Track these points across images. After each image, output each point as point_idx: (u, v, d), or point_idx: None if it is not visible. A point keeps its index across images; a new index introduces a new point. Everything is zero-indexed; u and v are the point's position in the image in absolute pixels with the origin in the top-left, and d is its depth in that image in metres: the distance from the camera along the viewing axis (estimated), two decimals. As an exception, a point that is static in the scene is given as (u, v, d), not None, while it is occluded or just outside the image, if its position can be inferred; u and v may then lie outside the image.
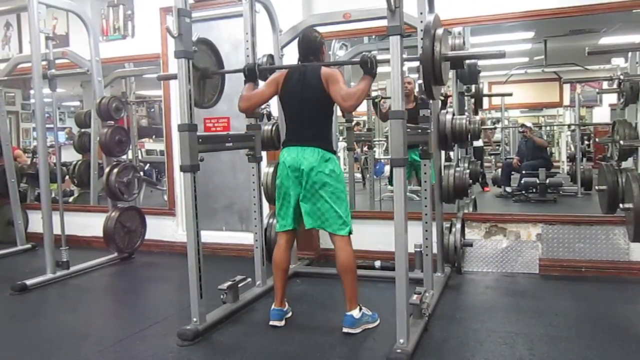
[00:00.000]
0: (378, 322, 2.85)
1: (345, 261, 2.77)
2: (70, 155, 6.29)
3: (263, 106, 3.45)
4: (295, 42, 3.90)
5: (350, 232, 2.80)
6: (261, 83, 3.12)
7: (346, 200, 2.83)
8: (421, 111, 3.25)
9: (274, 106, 3.84)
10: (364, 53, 2.66)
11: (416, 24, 3.11)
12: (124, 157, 4.87)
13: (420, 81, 2.94)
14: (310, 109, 2.79)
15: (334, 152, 2.84)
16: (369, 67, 2.60)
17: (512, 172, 7.20)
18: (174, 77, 2.76)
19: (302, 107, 2.79)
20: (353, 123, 5.76)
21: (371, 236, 4.03)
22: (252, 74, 3.03)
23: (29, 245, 5.08)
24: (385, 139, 6.66)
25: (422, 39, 2.66)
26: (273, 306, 2.94)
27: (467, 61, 3.77)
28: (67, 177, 6.06)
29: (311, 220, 2.79)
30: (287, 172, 2.80)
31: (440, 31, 2.48)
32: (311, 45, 2.89)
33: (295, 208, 2.83)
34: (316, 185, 2.73)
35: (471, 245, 3.84)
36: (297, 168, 2.75)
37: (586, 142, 8.11)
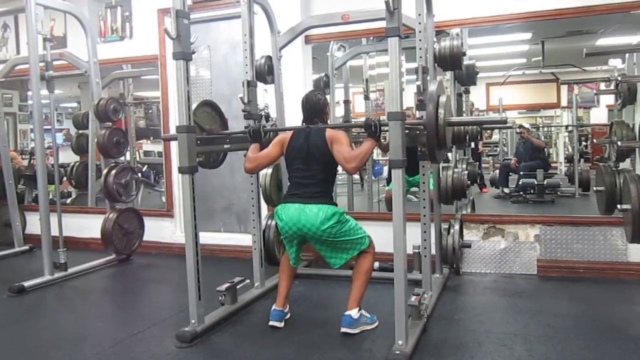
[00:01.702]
0: (376, 324, 2.85)
1: (362, 264, 2.84)
2: (68, 157, 6.28)
3: (262, 107, 3.45)
4: (294, 43, 3.93)
5: (370, 240, 2.87)
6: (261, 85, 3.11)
7: (353, 223, 2.85)
8: (419, 113, 3.25)
9: (272, 108, 3.85)
10: (368, 117, 2.71)
11: (414, 25, 3.12)
12: (122, 158, 4.86)
13: (419, 82, 2.95)
14: (315, 167, 2.82)
15: (336, 205, 2.86)
16: (372, 130, 2.64)
17: (510, 173, 7.22)
18: (175, 138, 2.81)
19: (308, 166, 2.83)
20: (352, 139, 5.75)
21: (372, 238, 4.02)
22: (257, 135, 3.07)
23: (26, 247, 5.07)
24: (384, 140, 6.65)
25: (424, 96, 2.71)
26: (274, 306, 2.94)
27: (466, 62, 3.77)
28: (64, 178, 6.05)
29: (337, 260, 2.85)
30: (289, 233, 2.83)
31: (443, 98, 2.53)
32: (315, 107, 2.94)
33: (297, 248, 2.92)
34: (329, 238, 2.77)
35: (469, 246, 3.84)
36: (300, 229, 2.78)
37: (584, 143, 8.13)
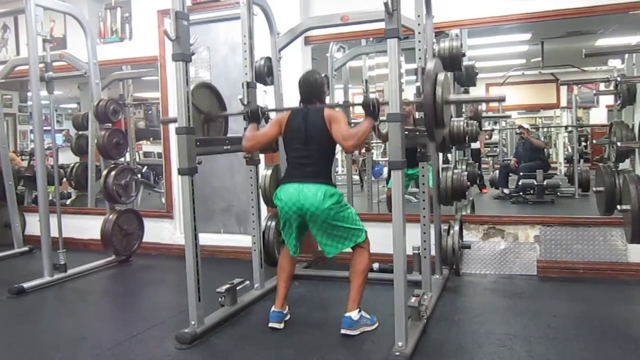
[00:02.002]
0: (376, 325, 2.85)
1: (359, 264, 2.82)
2: (68, 158, 6.28)
3: (261, 106, 3.45)
4: (294, 44, 3.93)
5: (366, 234, 2.85)
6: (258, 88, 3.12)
7: (353, 211, 2.85)
8: (418, 114, 3.25)
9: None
10: (366, 95, 2.70)
11: (413, 26, 3.12)
12: (122, 159, 4.86)
13: (418, 84, 2.95)
14: (313, 147, 2.81)
15: (335, 186, 2.85)
16: (371, 110, 2.63)
17: (510, 174, 7.22)
18: (175, 120, 2.79)
19: (306, 145, 2.82)
20: (351, 125, 5.75)
21: (369, 238, 4.01)
22: (255, 115, 3.08)
23: (26, 248, 5.06)
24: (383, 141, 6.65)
25: (422, 81, 2.69)
26: (273, 308, 2.94)
27: (465, 63, 3.77)
28: (64, 179, 6.05)
29: (332, 249, 2.82)
30: (289, 212, 2.81)
31: (441, 76, 2.52)
32: (313, 87, 2.93)
33: (297, 234, 2.89)
34: (327, 220, 2.75)
35: (469, 247, 3.84)
36: (299, 208, 2.76)
37: (583, 144, 8.13)
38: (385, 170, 6.82)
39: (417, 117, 3.18)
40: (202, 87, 3.14)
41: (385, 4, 2.29)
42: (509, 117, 7.18)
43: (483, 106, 7.73)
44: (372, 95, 5.11)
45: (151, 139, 7.13)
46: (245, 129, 3.12)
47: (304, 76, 2.97)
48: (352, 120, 5.45)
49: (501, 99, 2.71)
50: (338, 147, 2.92)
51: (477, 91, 5.33)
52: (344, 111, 2.95)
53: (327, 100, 3.08)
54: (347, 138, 2.66)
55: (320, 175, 2.78)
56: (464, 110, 4.91)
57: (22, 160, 6.65)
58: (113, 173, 4.44)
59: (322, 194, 2.71)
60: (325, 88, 2.99)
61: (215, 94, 3.25)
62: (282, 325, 2.90)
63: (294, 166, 2.87)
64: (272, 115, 3.30)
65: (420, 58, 3.09)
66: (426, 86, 2.49)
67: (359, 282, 2.80)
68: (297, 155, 2.85)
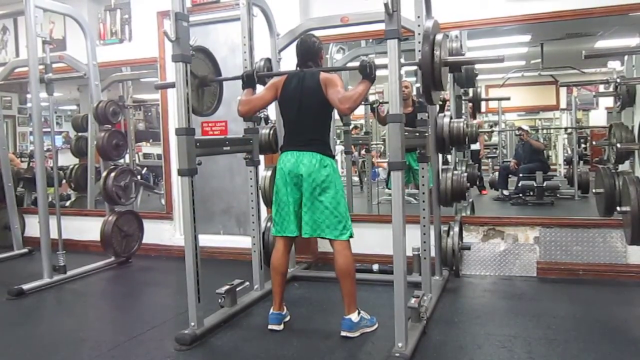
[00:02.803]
0: (376, 326, 2.85)
1: (343, 265, 2.77)
2: (68, 159, 6.27)
3: (261, 110, 3.45)
4: (293, 45, 3.92)
5: (350, 236, 2.81)
6: (259, 88, 3.12)
7: (345, 205, 2.84)
8: (419, 114, 3.26)
9: (271, 110, 3.85)
10: (363, 58, 2.67)
11: (413, 27, 3.12)
12: (121, 161, 4.86)
13: (418, 85, 2.95)
14: (309, 113, 2.80)
15: (333, 157, 2.85)
16: (367, 72, 2.62)
17: (510, 175, 7.21)
18: (172, 85, 2.77)
19: (301, 111, 2.80)
20: (351, 126, 5.76)
21: (369, 240, 4.02)
22: (250, 80, 3.04)
23: (25, 250, 5.06)
24: (382, 143, 6.66)
25: (420, 43, 2.66)
26: (272, 310, 2.93)
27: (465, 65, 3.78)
28: (64, 181, 6.04)
29: (310, 229, 2.79)
30: (286, 178, 2.80)
31: (439, 36, 2.49)
32: (309, 50, 2.91)
33: (295, 214, 2.83)
34: (315, 191, 2.74)
35: (469, 248, 3.83)
36: (296, 174, 2.76)
37: (583, 145, 8.14)
38: (381, 173, 6.83)
39: (415, 100, 3.15)
40: (198, 52, 3.09)
41: (385, 5, 2.30)
42: (508, 98, 7.16)
43: (482, 107, 7.74)
44: (372, 101, 5.15)
45: (151, 140, 7.11)
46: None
47: (302, 39, 2.97)
48: (352, 122, 5.44)
49: (500, 59, 2.66)
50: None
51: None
52: (339, 74, 2.90)
53: (323, 60, 3.05)
54: (343, 101, 2.65)
55: (316, 143, 2.78)
56: (463, 111, 4.92)
57: (22, 162, 6.65)
58: (113, 174, 4.44)
59: (317, 162, 2.73)
60: (322, 52, 2.98)
61: (210, 58, 3.22)
62: (281, 327, 2.90)
63: (290, 134, 2.88)
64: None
65: (419, 34, 3.06)
66: (424, 47, 2.46)
67: (348, 284, 2.77)
68: (292, 120, 2.85)
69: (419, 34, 3.10)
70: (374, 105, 4.96)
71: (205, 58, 3.18)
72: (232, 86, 3.40)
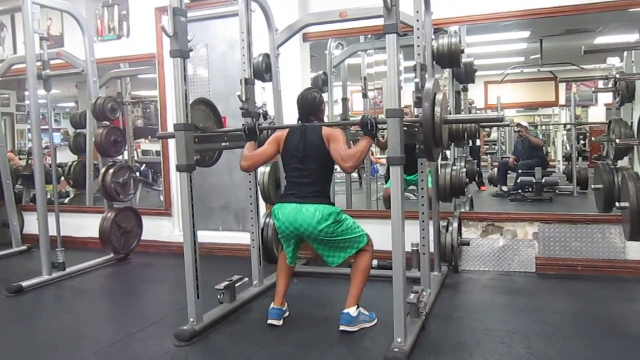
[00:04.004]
0: (375, 321, 2.85)
1: (361, 262, 2.83)
2: (66, 156, 6.26)
3: (259, 105, 3.45)
4: (292, 40, 3.92)
5: (368, 237, 2.86)
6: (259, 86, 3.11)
7: (350, 221, 2.85)
8: (417, 110, 3.25)
9: (270, 106, 3.85)
10: (364, 115, 2.71)
11: (412, 22, 3.11)
12: (120, 157, 4.85)
13: (417, 80, 2.95)
14: (311, 166, 2.81)
15: (333, 204, 2.85)
16: (369, 129, 2.63)
17: (509, 171, 7.22)
18: (172, 136, 2.79)
19: (304, 164, 2.82)
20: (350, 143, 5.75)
21: (371, 237, 4.02)
22: (252, 133, 3.04)
23: (24, 247, 5.05)
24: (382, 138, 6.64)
25: (423, 101, 2.68)
26: (272, 305, 2.94)
27: (464, 60, 3.77)
28: (62, 178, 6.03)
29: (335, 259, 2.84)
30: (286, 232, 2.83)
31: (439, 96, 2.53)
32: (311, 105, 2.93)
33: (294, 248, 2.91)
34: (325, 238, 2.77)
35: (468, 244, 3.84)
36: (297, 228, 2.78)
37: (582, 142, 8.14)
38: (380, 169, 6.82)
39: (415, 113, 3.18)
40: (199, 104, 3.17)
41: (384, 0, 2.29)
42: (507, 125, 7.20)
43: (481, 103, 7.73)
44: (371, 98, 5.12)
45: (149, 137, 7.10)
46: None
47: (302, 94, 2.98)
48: (351, 117, 5.46)
49: (499, 119, 2.73)
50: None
51: (475, 89, 5.33)
52: (342, 129, 2.94)
53: (324, 113, 3.09)
54: (346, 159, 2.67)
55: (318, 195, 2.79)
56: (462, 107, 4.92)
57: (20, 159, 6.63)
58: (111, 171, 4.43)
59: (320, 215, 2.72)
60: (323, 106, 3.01)
61: (211, 109, 3.27)
62: (280, 322, 2.90)
63: (292, 185, 2.88)
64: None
65: (419, 54, 3.09)
66: (425, 106, 2.50)
67: (360, 279, 2.81)
68: (295, 174, 2.86)
69: (418, 29, 3.10)
70: (374, 132, 4.95)
71: (207, 110, 3.23)
72: (231, 82, 3.40)
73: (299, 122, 2.95)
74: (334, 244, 2.79)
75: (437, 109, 2.51)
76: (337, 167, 2.88)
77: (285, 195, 2.90)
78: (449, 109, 3.70)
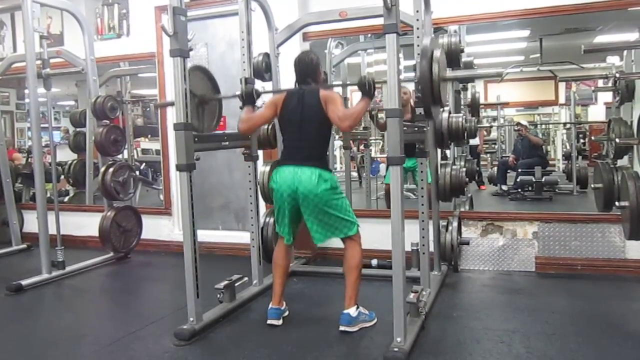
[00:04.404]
0: (375, 321, 2.85)
1: (351, 259, 2.81)
2: (66, 155, 6.26)
3: (259, 105, 3.44)
4: (292, 40, 3.92)
5: (358, 228, 2.84)
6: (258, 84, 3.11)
7: (346, 201, 2.85)
8: (417, 109, 3.25)
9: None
10: (362, 75, 2.69)
11: (412, 22, 3.11)
12: (120, 156, 4.85)
13: (416, 80, 2.94)
14: (309, 129, 2.80)
15: (331, 171, 2.85)
16: (367, 89, 2.62)
17: (508, 171, 7.22)
18: (172, 104, 2.78)
19: (301, 128, 2.81)
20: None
21: (368, 235, 3.96)
22: (249, 97, 3.04)
23: (24, 246, 5.05)
24: (381, 138, 6.65)
25: (419, 59, 2.65)
26: (271, 305, 2.93)
27: (464, 60, 3.77)
28: (62, 176, 6.03)
29: (320, 236, 2.82)
30: (283, 194, 2.80)
31: (437, 53, 2.48)
32: (308, 67, 2.91)
33: (290, 221, 2.87)
34: (319, 205, 2.75)
35: (468, 243, 3.83)
36: (294, 191, 2.76)
37: (582, 141, 8.14)
38: (382, 167, 6.84)
39: (414, 106, 3.16)
40: (196, 70, 3.10)
41: (384, 0, 2.29)
42: (507, 103, 7.17)
43: (481, 101, 7.73)
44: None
45: (149, 136, 7.11)
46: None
47: (299, 56, 2.96)
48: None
49: (499, 74, 2.67)
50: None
51: (475, 88, 5.34)
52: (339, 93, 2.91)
53: (322, 76, 3.04)
54: (343, 119, 2.66)
55: (315, 159, 2.78)
56: (462, 106, 4.91)
57: (22, 157, 6.64)
58: (111, 170, 4.43)
59: (317, 178, 2.71)
60: (320, 68, 2.98)
61: (208, 77, 3.22)
62: (280, 322, 2.90)
63: (289, 149, 2.87)
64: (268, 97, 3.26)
65: (418, 54, 3.08)
66: (422, 63, 2.46)
67: (354, 277, 2.80)
68: (292, 137, 2.85)
69: (418, 28, 3.10)
70: (373, 112, 4.96)
71: (204, 76, 3.20)
72: (231, 81, 3.39)
73: (297, 85, 2.93)
74: (325, 216, 2.76)
75: (435, 66, 2.46)
76: (336, 167, 2.86)
77: (282, 160, 2.90)
78: (448, 107, 3.71)
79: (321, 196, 2.71)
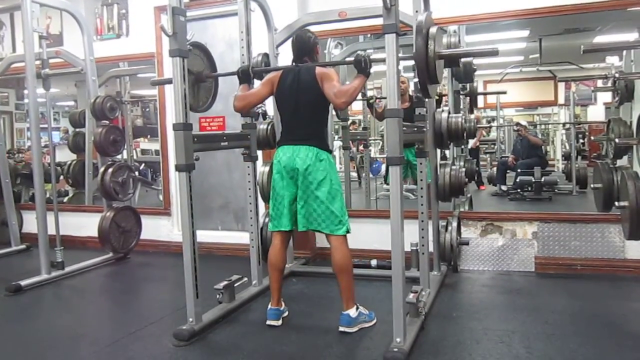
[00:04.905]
0: (374, 321, 2.85)
1: (340, 261, 2.77)
2: (65, 155, 6.25)
3: (258, 105, 3.44)
4: (290, 40, 3.91)
5: (347, 231, 2.80)
6: (256, 83, 3.11)
7: (342, 199, 2.83)
8: (417, 109, 3.25)
9: (269, 105, 3.84)
10: (358, 52, 2.67)
11: (411, 22, 3.10)
12: (119, 156, 4.85)
13: (416, 79, 2.94)
14: (305, 107, 2.79)
15: (330, 151, 2.84)
16: (363, 67, 2.61)
17: (508, 171, 7.22)
18: (169, 81, 2.76)
19: (298, 106, 2.80)
20: (349, 122, 5.75)
21: (367, 235, 4.02)
22: (246, 75, 3.04)
23: (23, 246, 5.05)
24: (380, 138, 6.65)
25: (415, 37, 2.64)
26: (270, 306, 2.93)
27: (463, 60, 3.77)
28: (61, 177, 6.03)
29: (305, 221, 2.79)
30: (282, 172, 2.80)
31: (433, 29, 2.47)
32: (305, 45, 2.91)
33: (290, 208, 2.83)
34: (312, 185, 2.74)
35: (467, 243, 3.84)
36: (292, 168, 2.76)
37: (581, 141, 8.14)
38: (383, 167, 6.83)
39: (412, 94, 3.14)
40: (194, 47, 3.07)
41: (384, 0, 2.28)
42: (504, 92, 7.15)
43: (480, 102, 7.73)
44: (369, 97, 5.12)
45: (149, 136, 7.10)
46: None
47: (297, 34, 2.97)
48: (350, 117, 5.43)
49: (494, 52, 2.66)
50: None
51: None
52: (335, 69, 2.90)
53: (319, 55, 3.05)
54: (339, 95, 2.64)
55: (313, 137, 2.78)
56: (462, 106, 4.91)
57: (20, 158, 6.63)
58: (110, 170, 4.43)
59: (314, 156, 2.72)
60: (318, 47, 2.97)
61: (206, 54, 3.21)
62: (279, 323, 2.90)
63: (287, 128, 2.87)
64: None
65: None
66: (417, 40, 2.45)
67: (346, 280, 2.77)
68: (289, 115, 2.85)
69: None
70: (371, 101, 4.95)
71: (200, 54, 3.17)
72: (230, 81, 3.39)
73: (293, 63, 2.92)
74: (315, 202, 2.73)
75: (431, 42, 2.45)
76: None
77: (282, 140, 2.89)
78: (448, 107, 3.72)
79: (315, 175, 2.71)
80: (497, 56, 2.59)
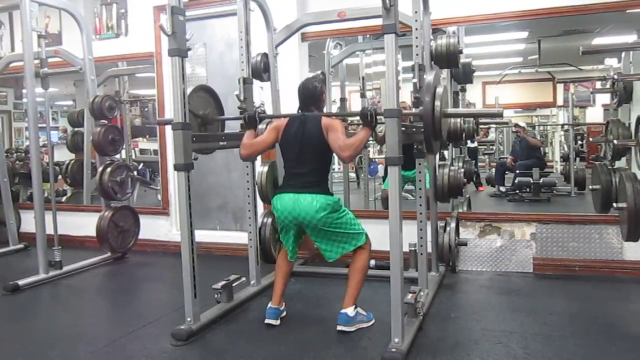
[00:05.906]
0: (372, 322, 2.85)
1: (358, 263, 2.83)
2: (63, 155, 6.24)
3: (257, 105, 3.45)
4: (290, 40, 3.92)
5: (366, 236, 2.86)
6: (256, 83, 3.11)
7: (350, 216, 2.85)
8: (415, 109, 3.25)
9: (268, 106, 3.84)
10: (364, 106, 2.71)
11: (411, 23, 3.12)
12: (118, 156, 4.84)
13: (415, 80, 2.95)
14: (309, 156, 2.81)
15: (331, 194, 2.85)
16: (368, 120, 2.62)
17: (506, 172, 7.23)
18: (170, 122, 2.79)
19: (302, 154, 2.81)
20: (347, 123, 5.75)
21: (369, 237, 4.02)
22: (252, 121, 3.04)
23: (21, 245, 5.04)
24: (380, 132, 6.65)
25: (419, 88, 2.71)
26: (270, 304, 2.93)
27: (462, 60, 3.77)
28: (60, 176, 6.02)
29: (332, 253, 2.83)
30: (285, 222, 2.82)
31: (440, 89, 2.53)
32: (312, 95, 2.92)
33: (295, 239, 2.90)
34: (324, 228, 2.76)
35: (465, 244, 3.84)
36: (295, 217, 2.78)
37: (579, 142, 8.16)
38: (380, 168, 6.83)
39: (412, 106, 3.16)
40: (199, 91, 3.14)
41: (383, 0, 2.29)
42: (505, 123, 7.21)
43: (479, 104, 7.75)
44: (369, 98, 5.13)
45: (147, 136, 7.10)
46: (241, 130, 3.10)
47: (303, 83, 2.97)
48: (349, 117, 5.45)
49: (499, 114, 2.74)
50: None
51: (474, 89, 5.34)
52: (342, 120, 2.93)
53: (325, 103, 3.08)
54: (344, 148, 2.66)
55: (316, 185, 2.78)
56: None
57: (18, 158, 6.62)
58: (109, 170, 4.42)
59: (318, 204, 2.72)
60: (324, 96, 2.99)
61: (212, 95, 3.25)
62: (278, 322, 2.90)
63: (290, 175, 2.88)
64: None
65: (417, 55, 3.09)
66: (425, 99, 2.51)
67: (357, 279, 2.81)
68: (293, 163, 2.86)
69: (417, 29, 3.10)
70: (373, 123, 4.96)
71: (207, 96, 3.22)
72: (229, 81, 3.39)
73: (299, 111, 2.94)
74: (332, 235, 2.78)
75: (438, 102, 2.51)
76: (334, 168, 2.87)
77: (283, 186, 2.90)
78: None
79: (324, 221, 2.74)
80: (501, 117, 2.66)
